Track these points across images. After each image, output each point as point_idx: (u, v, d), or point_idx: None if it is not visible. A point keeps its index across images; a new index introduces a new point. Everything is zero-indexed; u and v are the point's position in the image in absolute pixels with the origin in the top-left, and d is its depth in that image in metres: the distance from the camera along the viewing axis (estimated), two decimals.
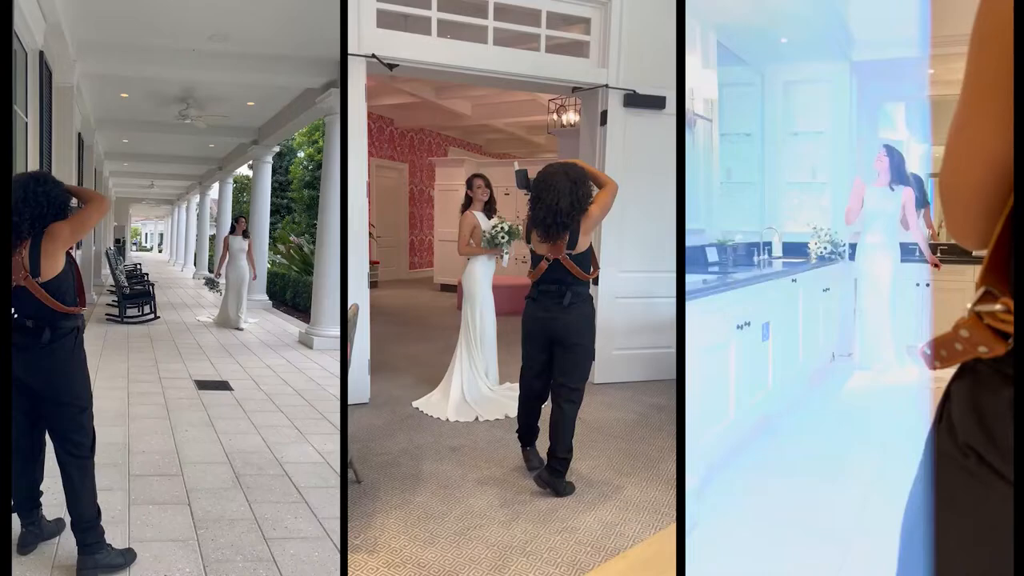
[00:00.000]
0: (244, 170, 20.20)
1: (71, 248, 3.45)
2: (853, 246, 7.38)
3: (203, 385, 7.20)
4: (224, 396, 6.78)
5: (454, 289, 10.28)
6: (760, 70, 7.80)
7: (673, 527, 3.75)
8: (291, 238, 18.23)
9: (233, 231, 11.50)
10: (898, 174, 6.83)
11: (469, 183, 5.89)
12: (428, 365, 6.90)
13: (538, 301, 4.20)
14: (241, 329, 10.98)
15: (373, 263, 12.60)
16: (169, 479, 4.47)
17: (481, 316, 5.84)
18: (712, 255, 6.12)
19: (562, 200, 3.96)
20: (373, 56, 5.42)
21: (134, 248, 40.25)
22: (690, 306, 3.88)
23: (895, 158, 6.85)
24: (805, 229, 7.64)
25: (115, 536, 3.46)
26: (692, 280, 4.55)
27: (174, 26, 7.98)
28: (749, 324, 4.68)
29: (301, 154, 23.20)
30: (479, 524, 3.75)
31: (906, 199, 6.79)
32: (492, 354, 5.98)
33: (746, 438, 4.93)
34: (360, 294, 5.59)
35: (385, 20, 5.63)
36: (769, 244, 7.48)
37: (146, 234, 52.26)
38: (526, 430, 4.50)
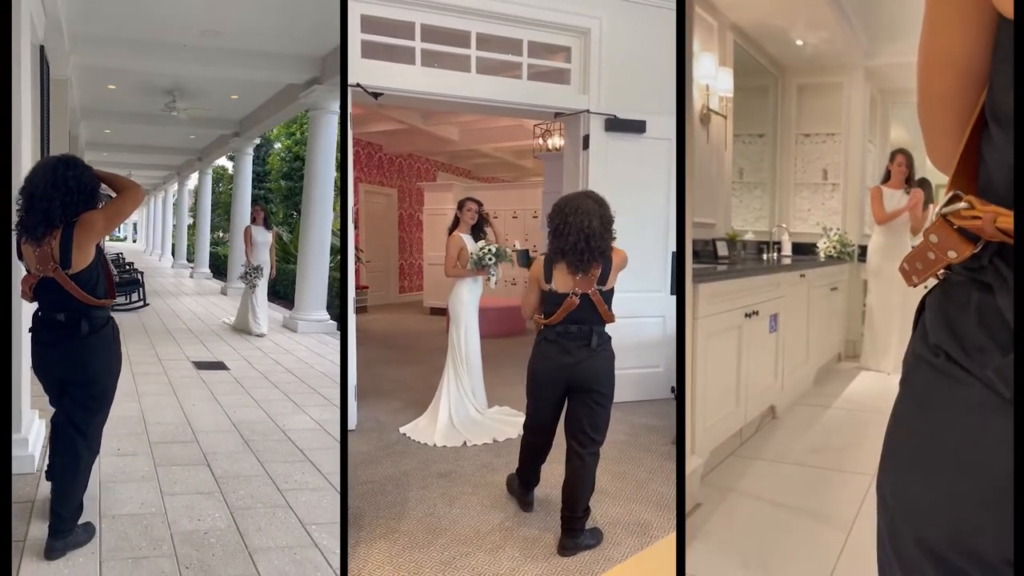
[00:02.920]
0: (219, 160, 20.35)
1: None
2: (863, 247, 7.66)
3: (201, 365, 7.85)
4: (222, 375, 7.46)
5: (444, 312, 10.33)
6: (775, 72, 8.09)
7: (658, 544, 3.81)
8: (272, 228, 18.29)
9: (253, 221, 10.43)
10: (912, 177, 7.17)
11: (461, 205, 5.99)
12: (416, 389, 6.96)
13: (558, 343, 3.78)
14: (262, 335, 9.93)
15: (362, 287, 12.83)
16: (186, 445, 5.06)
17: (467, 338, 5.91)
18: (722, 249, 6.39)
19: (593, 220, 3.66)
20: (358, 85, 5.67)
21: (107, 238, 40.07)
22: (701, 288, 4.06)
23: (909, 161, 7.14)
24: (815, 230, 7.95)
25: (147, 491, 4.15)
26: (702, 266, 4.83)
27: (167, 21, 8.47)
28: (757, 313, 4.86)
29: (278, 145, 23.49)
30: (465, 553, 3.72)
31: (915, 201, 7.09)
32: (479, 376, 6.03)
33: (751, 427, 5.15)
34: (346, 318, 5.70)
35: (373, 51, 5.94)
36: (779, 243, 7.75)
37: None
38: (531, 477, 4.27)
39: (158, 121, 13.58)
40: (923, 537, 1.08)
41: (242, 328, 10.18)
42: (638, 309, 6.55)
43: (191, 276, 19.68)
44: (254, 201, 9.93)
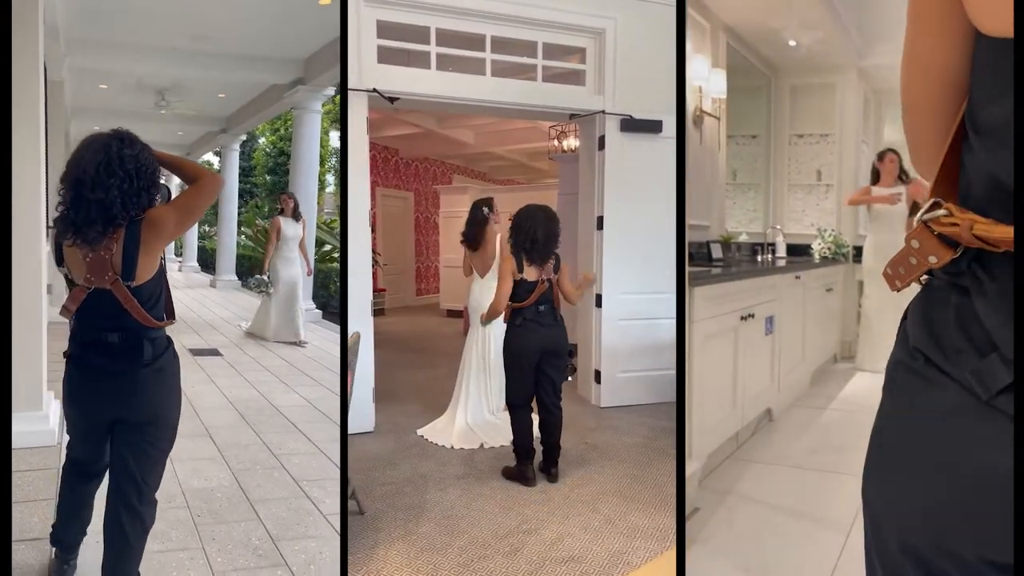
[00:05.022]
0: (206, 156, 20.54)
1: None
2: (857, 248, 7.68)
3: (197, 352, 8.40)
4: (216, 360, 8.10)
5: (460, 314, 10.27)
6: (768, 73, 8.08)
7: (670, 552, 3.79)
8: (257, 221, 18.60)
9: (281, 212, 9.24)
10: (902, 175, 7.18)
11: (492, 207, 6.05)
12: (433, 392, 7.01)
13: (534, 321, 4.71)
14: (303, 344, 9.04)
15: (380, 290, 13.01)
16: (189, 419, 5.32)
17: (482, 339, 5.93)
18: (717, 251, 6.37)
19: (539, 228, 4.68)
20: (374, 90, 5.68)
21: None
22: (697, 292, 4.06)
23: (900, 159, 7.15)
24: (809, 231, 7.94)
25: None
26: (697, 269, 4.82)
27: (158, 26, 9.06)
28: (753, 316, 4.87)
29: (263, 140, 23.94)
30: (483, 555, 3.73)
31: (912, 192, 7.07)
32: (495, 378, 5.95)
33: (748, 429, 5.14)
34: (363, 322, 5.67)
35: (389, 56, 5.93)
36: (773, 245, 7.75)
37: None
38: (532, 447, 4.79)
39: (147, 118, 13.75)
40: (905, 540, 1.10)
41: (266, 335, 9.24)
42: (652, 311, 6.52)
43: (179, 270, 19.85)
44: (282, 190, 9.16)
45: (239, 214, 18.10)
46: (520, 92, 6.43)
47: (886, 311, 7.14)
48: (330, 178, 21.34)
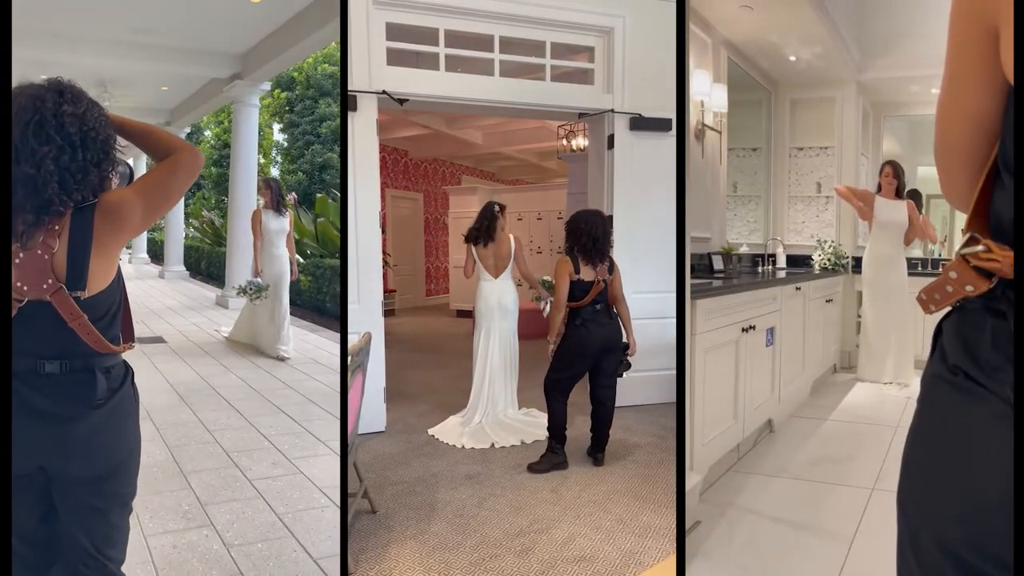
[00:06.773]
0: None
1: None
2: (857, 259, 7.80)
3: (141, 340, 8.46)
4: (161, 347, 8.64)
5: (470, 315, 10.06)
6: (768, 87, 8.20)
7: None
8: (203, 213, 18.71)
9: (265, 205, 8.18)
10: (901, 188, 7.31)
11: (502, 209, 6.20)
12: (444, 392, 7.13)
13: (592, 321, 4.96)
14: (283, 358, 8.01)
15: (390, 291, 13.06)
16: None
17: (487, 339, 5.96)
18: (718, 263, 6.41)
19: (598, 228, 4.98)
20: (384, 92, 5.72)
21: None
22: (699, 304, 4.09)
23: (895, 172, 7.27)
24: (809, 242, 8.08)
25: None
26: (699, 281, 4.86)
27: (98, 17, 9.38)
28: (754, 328, 4.92)
29: (208, 133, 24.09)
30: (494, 554, 3.75)
31: (910, 212, 7.23)
32: (502, 377, 5.98)
33: (749, 441, 5.15)
34: (374, 322, 5.62)
35: (398, 58, 5.94)
36: (774, 256, 7.84)
37: None
38: (566, 430, 5.08)
39: None
40: (946, 543, 1.16)
41: (250, 341, 8.41)
42: (663, 310, 6.43)
43: (129, 261, 19.93)
44: (265, 179, 8.16)
45: (186, 206, 18.40)
46: (529, 92, 6.45)
47: (886, 321, 7.24)
48: (274, 171, 21.17)
